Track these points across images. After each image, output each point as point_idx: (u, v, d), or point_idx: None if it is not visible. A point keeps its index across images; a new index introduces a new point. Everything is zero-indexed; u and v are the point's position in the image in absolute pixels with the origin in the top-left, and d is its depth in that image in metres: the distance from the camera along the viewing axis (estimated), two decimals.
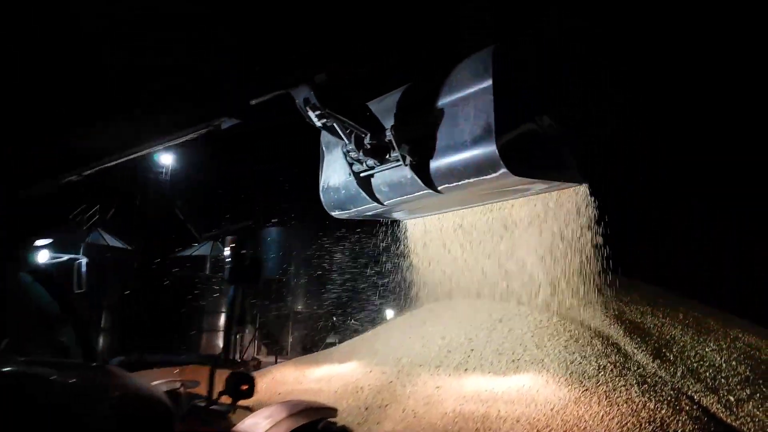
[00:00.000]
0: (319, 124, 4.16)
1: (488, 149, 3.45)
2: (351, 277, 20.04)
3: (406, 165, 4.04)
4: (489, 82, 3.58)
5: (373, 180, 4.51)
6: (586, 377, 5.67)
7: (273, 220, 23.28)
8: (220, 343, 18.65)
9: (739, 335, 7.55)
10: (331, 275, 20.93)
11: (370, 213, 5.15)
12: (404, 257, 7.07)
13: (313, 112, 3.99)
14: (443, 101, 3.96)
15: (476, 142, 3.57)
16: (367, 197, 4.55)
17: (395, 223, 6.90)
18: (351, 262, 19.95)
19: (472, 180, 3.71)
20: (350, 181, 4.61)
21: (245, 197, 24.67)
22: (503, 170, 3.44)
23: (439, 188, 3.96)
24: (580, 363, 5.84)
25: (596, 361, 5.91)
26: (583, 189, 4.80)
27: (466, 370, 6.33)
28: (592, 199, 5.13)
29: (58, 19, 3.21)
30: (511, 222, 5.65)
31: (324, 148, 5.02)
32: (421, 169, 3.98)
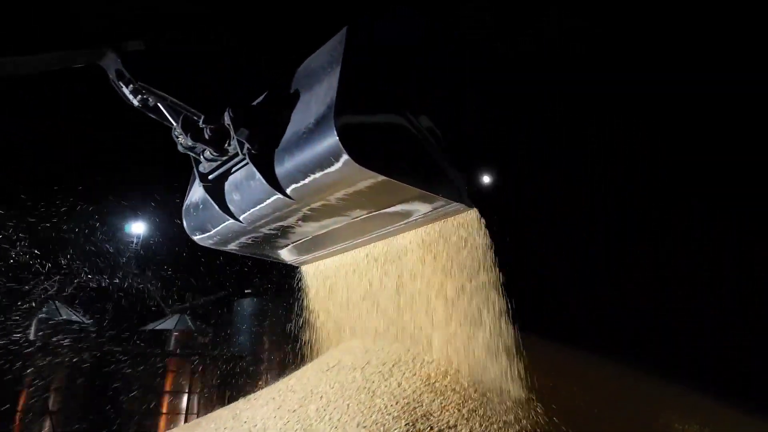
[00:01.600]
0: (135, 102, 3.59)
1: (328, 130, 3.08)
2: None
3: (244, 154, 3.52)
4: (340, 59, 3.25)
5: (225, 187, 3.99)
6: None
7: (247, 291, 22.08)
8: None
9: None
10: None
11: (235, 240, 4.54)
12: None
13: (127, 86, 3.47)
14: (298, 84, 3.44)
15: (318, 125, 3.18)
16: (220, 210, 4.04)
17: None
18: None
19: (317, 175, 3.28)
20: (204, 191, 4.03)
21: (220, 266, 23.67)
22: (345, 157, 3.06)
23: (287, 190, 3.51)
24: None
25: None
26: (473, 215, 4.11)
27: None
28: (484, 226, 4.21)
29: None
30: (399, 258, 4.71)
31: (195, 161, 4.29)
32: (264, 162, 3.49)
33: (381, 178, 3.26)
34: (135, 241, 23.11)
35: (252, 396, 5.66)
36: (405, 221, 4.14)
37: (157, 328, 19.44)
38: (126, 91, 3.57)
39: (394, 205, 3.89)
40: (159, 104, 3.63)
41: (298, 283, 5.61)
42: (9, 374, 15.62)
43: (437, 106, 3.78)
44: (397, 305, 4.84)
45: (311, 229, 4.30)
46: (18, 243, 17.31)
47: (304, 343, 6.10)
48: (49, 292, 18.16)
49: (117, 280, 22.22)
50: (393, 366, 4.76)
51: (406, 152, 3.53)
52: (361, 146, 3.15)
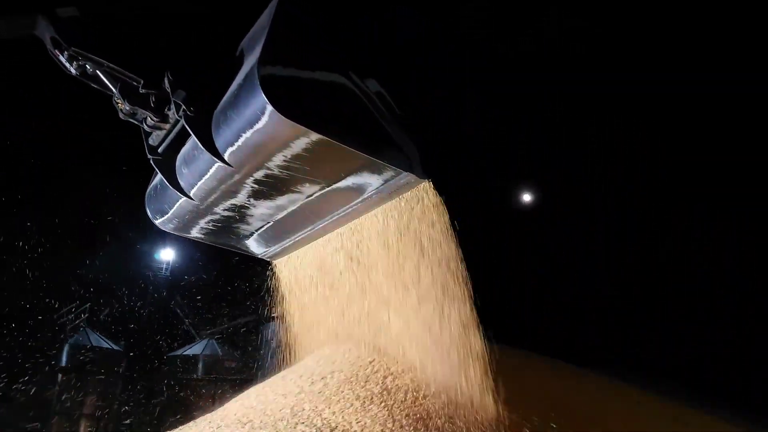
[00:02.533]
0: (74, 70, 3.44)
1: (252, 82, 2.95)
2: None
3: (179, 116, 3.40)
4: (273, 12, 3.15)
5: (177, 161, 3.84)
6: None
7: (273, 315, 21.96)
8: None
9: None
10: None
11: (194, 224, 4.42)
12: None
13: (63, 54, 3.35)
14: (241, 48, 3.30)
15: (245, 79, 3.07)
16: (169, 184, 3.90)
17: None
18: None
19: (248, 134, 3.14)
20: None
21: (249, 291, 23.75)
22: (269, 108, 2.91)
23: (225, 155, 3.36)
24: None
25: None
26: (425, 186, 3.82)
27: None
28: (441, 201, 3.90)
29: None
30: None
31: None
32: (201, 124, 3.34)
33: (313, 135, 3.10)
34: (164, 267, 23.40)
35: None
36: (360, 198, 3.93)
37: (185, 353, 19.47)
38: (63, 59, 3.44)
39: (341, 178, 3.71)
40: (97, 71, 3.48)
41: (269, 283, 5.39)
42: (41, 399, 15.81)
43: (387, 71, 3.61)
44: (360, 304, 4.57)
45: (267, 210, 4.18)
46: (48, 271, 17.70)
47: (277, 349, 5.86)
48: (80, 319, 18.46)
49: (147, 306, 22.51)
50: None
51: (345, 113, 3.37)
52: (288, 98, 3.00)
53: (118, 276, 21.84)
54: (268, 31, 3.10)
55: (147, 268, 23.10)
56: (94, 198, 18.33)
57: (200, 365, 19.15)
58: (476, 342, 4.10)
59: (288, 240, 4.74)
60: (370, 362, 4.45)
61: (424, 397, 4.06)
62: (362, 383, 4.20)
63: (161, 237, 22.96)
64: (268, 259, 5.21)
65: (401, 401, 3.99)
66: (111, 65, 3.46)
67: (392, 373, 4.33)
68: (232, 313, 22.17)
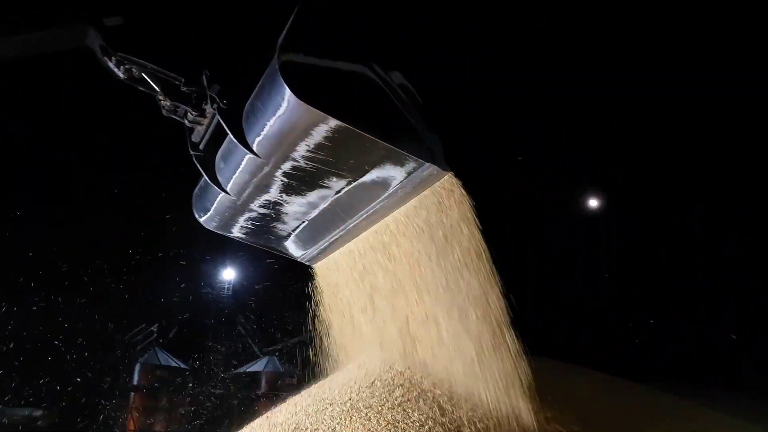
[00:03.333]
0: (121, 74, 3.69)
1: (274, 70, 3.08)
2: None
3: (214, 109, 3.63)
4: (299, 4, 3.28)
5: (216, 157, 4.04)
6: None
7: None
8: None
9: None
10: None
11: (234, 221, 4.59)
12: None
13: (111, 61, 3.62)
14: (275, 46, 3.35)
15: (268, 69, 3.21)
16: (208, 178, 4.09)
17: None
18: None
19: (272, 122, 3.26)
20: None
21: (309, 308, 24.10)
22: (288, 94, 3.00)
23: (253, 145, 3.50)
24: None
25: None
26: (449, 179, 3.81)
27: None
28: (465, 193, 3.85)
29: None
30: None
31: None
32: (233, 117, 3.53)
33: (332, 121, 3.15)
34: (226, 286, 24.14)
35: None
36: (386, 193, 3.97)
37: (248, 370, 19.96)
38: (111, 65, 3.69)
39: (365, 171, 3.76)
40: (142, 73, 3.73)
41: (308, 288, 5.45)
42: (113, 418, 16.58)
43: (410, 63, 3.70)
44: (391, 308, 4.52)
45: (299, 207, 4.30)
46: (119, 294, 18.65)
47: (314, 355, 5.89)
48: (150, 339, 19.32)
49: (210, 325, 23.26)
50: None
51: (365, 102, 3.45)
52: (307, 84, 3.07)
53: (183, 296, 22.74)
54: (290, 21, 3.24)
55: (210, 287, 23.92)
56: (157, 219, 19.23)
57: (262, 382, 19.59)
58: (511, 348, 3.99)
59: (323, 241, 4.83)
60: (401, 372, 4.42)
61: (457, 406, 3.98)
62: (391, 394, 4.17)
63: (222, 257, 23.74)
64: (307, 263, 5.30)
65: (429, 413, 3.91)
66: (154, 67, 3.73)
67: (422, 386, 4.27)
68: (291, 330, 22.60)
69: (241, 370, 20.37)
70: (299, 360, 21.36)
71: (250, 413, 18.58)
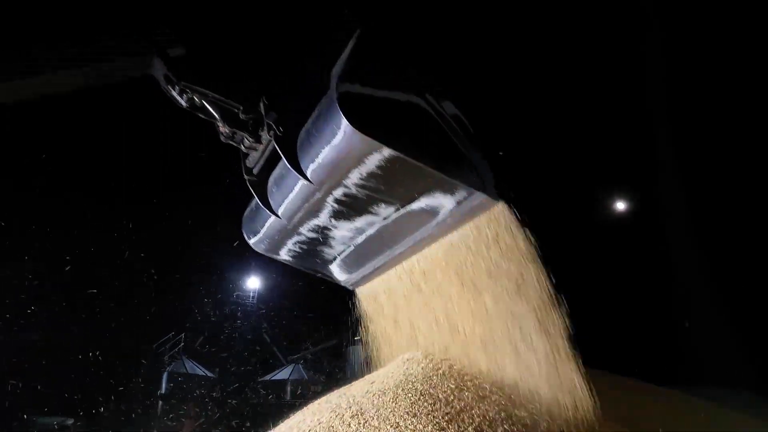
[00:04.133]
0: (184, 103, 3.85)
1: (331, 100, 3.16)
2: None
3: (270, 136, 3.76)
4: (357, 35, 3.38)
5: (269, 182, 4.16)
6: None
7: (357, 338, 22.13)
8: None
9: None
10: None
11: (282, 244, 4.64)
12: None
13: (174, 89, 3.77)
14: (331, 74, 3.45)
15: (326, 97, 3.30)
16: (260, 202, 4.20)
17: None
18: None
19: (326, 150, 3.33)
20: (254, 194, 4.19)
21: (334, 315, 24.17)
22: (344, 123, 3.07)
23: (307, 172, 3.57)
24: None
25: None
26: (502, 210, 3.73)
27: None
28: (517, 222, 3.72)
29: None
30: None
31: None
32: (289, 143, 3.62)
33: (386, 150, 3.20)
34: (251, 295, 24.32)
35: None
36: (434, 221, 3.96)
37: (273, 378, 20.03)
38: (175, 94, 3.85)
39: (415, 199, 3.78)
40: (204, 102, 3.88)
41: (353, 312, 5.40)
42: (141, 426, 16.73)
43: (462, 93, 3.73)
44: (440, 337, 4.41)
45: (347, 232, 4.33)
46: (146, 304, 18.90)
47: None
48: (177, 347, 19.53)
49: (236, 334, 23.44)
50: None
51: (418, 131, 3.49)
52: (363, 114, 3.15)
53: (209, 305, 22.97)
54: (349, 52, 3.36)
55: (235, 296, 24.13)
56: (183, 227, 19.49)
57: (288, 389, 19.64)
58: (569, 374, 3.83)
59: (368, 266, 4.82)
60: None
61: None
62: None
63: (247, 266, 23.93)
64: (351, 288, 5.29)
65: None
66: (215, 95, 3.87)
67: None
68: (316, 338, 22.63)
69: (266, 378, 20.45)
70: (326, 368, 21.42)
71: (275, 421, 18.62)
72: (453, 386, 3.93)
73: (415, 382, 4.08)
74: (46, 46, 3.45)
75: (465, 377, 4.12)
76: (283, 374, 19.95)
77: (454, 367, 4.21)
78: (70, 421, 16.78)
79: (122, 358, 18.54)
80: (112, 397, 16.93)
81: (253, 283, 24.67)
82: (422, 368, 4.26)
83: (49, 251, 17.21)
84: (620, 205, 18.25)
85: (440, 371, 4.17)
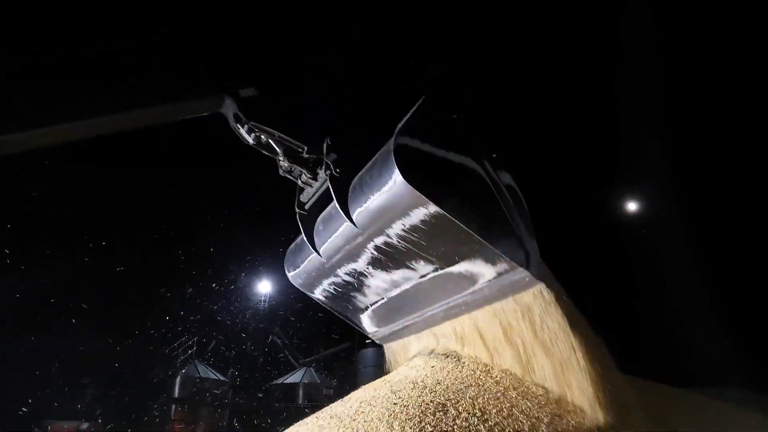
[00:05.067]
0: (251, 140, 4.03)
1: (388, 150, 3.27)
2: None
3: (326, 175, 3.89)
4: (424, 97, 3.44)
5: (318, 219, 4.26)
6: None
7: (368, 341, 22.13)
8: None
9: None
10: None
11: (318, 283, 4.67)
12: None
13: (243, 127, 3.94)
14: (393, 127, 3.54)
15: (384, 148, 3.41)
16: (305, 238, 4.28)
17: None
18: None
19: (375, 196, 3.44)
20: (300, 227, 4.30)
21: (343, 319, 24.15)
22: (397, 174, 3.17)
23: (353, 215, 3.69)
24: None
25: None
26: (540, 290, 3.58)
27: None
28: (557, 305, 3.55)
29: None
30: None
31: None
32: (342, 185, 3.75)
33: (431, 207, 3.25)
34: (263, 299, 24.40)
35: None
36: (471, 289, 3.88)
37: (285, 382, 20.06)
38: (243, 131, 4.04)
39: (455, 262, 3.72)
40: (270, 140, 4.07)
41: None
42: (155, 430, 16.82)
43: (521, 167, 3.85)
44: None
45: (382, 283, 4.31)
46: (159, 309, 19.04)
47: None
48: (190, 351, 19.62)
49: (248, 338, 23.51)
50: None
51: (469, 195, 3.49)
52: (416, 168, 3.24)
53: (221, 309, 23.08)
54: (414, 110, 3.42)
55: (247, 300, 24.22)
56: (197, 233, 19.63)
57: (300, 393, 19.65)
58: None
59: (398, 323, 4.79)
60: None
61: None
62: None
63: (258, 270, 23.99)
64: (378, 342, 5.26)
65: None
66: (281, 135, 4.07)
67: None
68: (329, 342, 22.64)
69: (278, 381, 20.49)
70: (338, 371, 21.43)
71: (288, 424, 18.63)
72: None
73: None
74: (137, 84, 3.69)
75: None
76: (295, 377, 19.97)
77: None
78: (85, 425, 16.93)
79: (135, 361, 18.70)
80: (126, 401, 17.07)
81: (265, 287, 24.76)
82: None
83: (67, 257, 17.45)
84: (630, 207, 18.28)
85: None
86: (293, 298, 24.56)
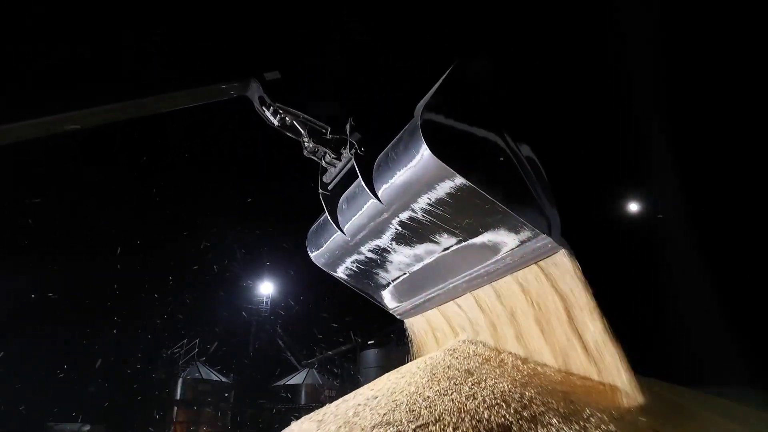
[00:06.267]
0: (276, 122, 4.12)
1: (415, 125, 3.32)
2: None
3: (351, 154, 3.96)
4: (448, 72, 3.51)
5: (341, 199, 4.30)
6: None
7: (370, 342, 22.15)
8: None
9: None
10: None
11: (341, 261, 4.74)
12: None
13: (268, 110, 4.04)
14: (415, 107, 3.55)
15: (410, 124, 3.46)
16: (329, 217, 4.33)
17: None
18: None
19: (401, 172, 3.50)
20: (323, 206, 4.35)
21: (347, 320, 24.16)
22: (424, 148, 3.22)
23: (378, 192, 3.74)
24: None
25: None
26: (563, 256, 3.65)
27: None
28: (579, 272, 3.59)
29: None
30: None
31: None
32: (367, 163, 3.82)
33: (459, 180, 3.31)
34: (264, 300, 24.39)
35: None
36: (494, 258, 3.92)
37: (288, 383, 20.04)
38: (268, 114, 4.16)
39: (478, 233, 3.79)
40: (294, 122, 4.16)
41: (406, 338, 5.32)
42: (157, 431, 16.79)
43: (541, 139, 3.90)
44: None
45: (405, 258, 4.37)
46: (161, 311, 19.03)
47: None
48: (192, 353, 19.61)
49: (250, 339, 23.49)
50: None
51: (493, 167, 3.60)
52: (442, 142, 3.29)
53: (223, 311, 23.08)
54: (437, 86, 3.48)
55: (249, 301, 24.20)
56: (196, 238, 19.63)
57: (302, 394, 19.63)
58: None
59: (419, 297, 4.79)
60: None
61: None
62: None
63: (260, 272, 23.98)
64: (399, 317, 5.24)
65: None
66: (306, 116, 4.15)
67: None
68: (330, 343, 22.60)
69: (280, 382, 20.47)
70: (340, 372, 21.38)
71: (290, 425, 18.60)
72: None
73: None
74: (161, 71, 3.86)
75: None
76: (297, 379, 19.95)
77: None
78: (87, 428, 16.92)
79: (137, 364, 18.69)
80: (128, 403, 17.05)
81: (267, 288, 24.75)
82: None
83: (68, 257, 17.45)
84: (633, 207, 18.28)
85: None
86: (296, 300, 24.60)
